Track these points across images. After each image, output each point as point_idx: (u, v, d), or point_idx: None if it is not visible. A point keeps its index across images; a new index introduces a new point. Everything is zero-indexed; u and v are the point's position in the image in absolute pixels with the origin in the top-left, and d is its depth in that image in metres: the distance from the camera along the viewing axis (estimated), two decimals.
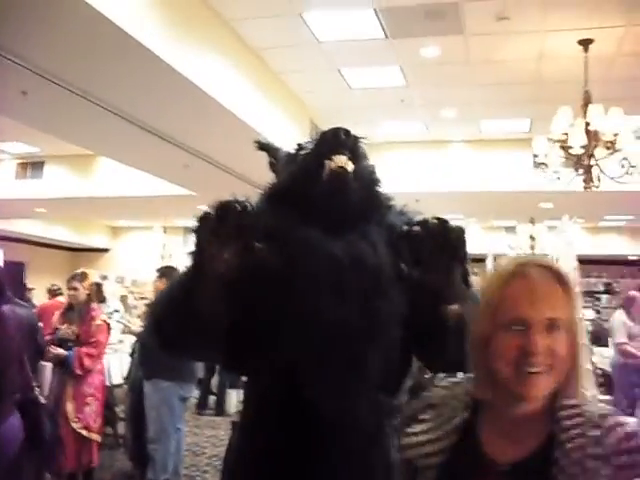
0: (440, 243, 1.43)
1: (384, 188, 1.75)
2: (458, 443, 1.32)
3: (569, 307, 1.27)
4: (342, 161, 1.58)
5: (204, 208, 1.47)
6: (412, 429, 1.38)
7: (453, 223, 1.47)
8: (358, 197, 1.60)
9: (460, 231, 1.45)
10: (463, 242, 1.46)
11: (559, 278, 1.28)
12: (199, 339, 1.54)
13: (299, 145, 1.75)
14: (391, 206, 1.74)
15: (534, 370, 1.21)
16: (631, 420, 1.23)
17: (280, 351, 1.49)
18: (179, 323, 1.50)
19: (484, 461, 1.27)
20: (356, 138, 1.64)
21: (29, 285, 12.41)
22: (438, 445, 1.33)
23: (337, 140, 1.60)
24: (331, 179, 1.57)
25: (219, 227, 1.40)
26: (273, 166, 1.85)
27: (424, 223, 1.45)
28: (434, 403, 1.40)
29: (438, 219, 1.45)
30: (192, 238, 1.48)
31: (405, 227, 1.49)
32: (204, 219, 1.43)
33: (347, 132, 1.61)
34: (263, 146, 1.90)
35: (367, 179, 1.67)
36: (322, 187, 1.57)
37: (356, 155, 1.62)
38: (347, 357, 1.50)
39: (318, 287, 1.49)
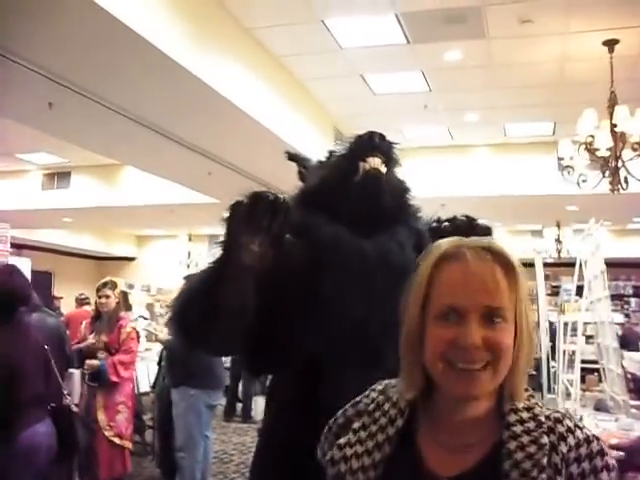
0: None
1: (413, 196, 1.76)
2: (394, 455, 1.14)
3: (514, 294, 1.09)
4: (377, 163, 1.59)
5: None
6: (343, 440, 1.21)
7: (481, 222, 1.46)
8: (389, 200, 1.60)
9: (487, 227, 1.45)
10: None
11: (501, 260, 1.10)
12: (222, 331, 1.51)
13: (330, 152, 1.77)
14: (419, 216, 1.75)
15: (469, 367, 1.05)
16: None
17: (303, 347, 1.49)
18: (203, 313, 1.48)
19: (423, 475, 1.11)
20: (390, 143, 1.65)
21: (56, 294, 12.55)
22: (371, 458, 1.14)
23: (372, 143, 1.61)
24: (365, 180, 1.58)
25: (251, 216, 1.39)
26: (302, 175, 1.85)
27: (452, 220, 1.45)
28: (367, 409, 1.22)
29: (467, 217, 1.45)
30: (223, 227, 1.46)
31: (434, 224, 1.49)
32: (236, 207, 1.42)
33: (382, 136, 1.63)
34: (292, 157, 1.91)
35: (398, 185, 1.69)
36: (356, 188, 1.58)
37: (389, 160, 1.63)
38: (368, 356, 1.50)
39: (345, 284, 1.50)
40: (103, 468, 4.90)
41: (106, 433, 4.92)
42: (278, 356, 1.55)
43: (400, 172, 1.73)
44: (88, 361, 4.95)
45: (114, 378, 4.93)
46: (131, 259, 18.58)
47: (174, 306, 1.60)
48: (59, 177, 11.69)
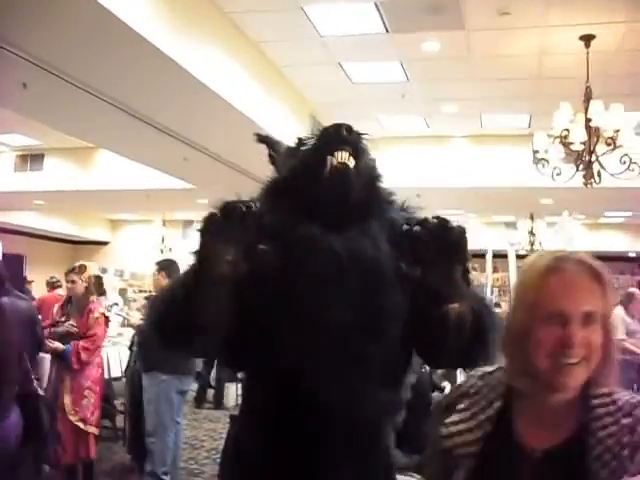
0: (440, 243, 1.43)
1: (385, 183, 1.75)
2: (493, 432, 1.36)
3: (604, 301, 1.32)
4: (344, 157, 1.57)
5: (203, 202, 1.47)
6: (449, 419, 1.42)
7: (454, 222, 1.46)
8: (359, 193, 1.59)
9: (460, 231, 1.44)
10: (463, 242, 1.45)
11: (595, 273, 1.32)
12: (200, 339, 1.52)
13: (300, 139, 1.75)
14: (393, 202, 1.74)
15: (571, 361, 1.26)
16: None
17: (282, 351, 1.49)
18: (180, 323, 1.49)
19: (518, 449, 1.32)
20: (358, 134, 1.63)
21: (28, 277, 12.40)
22: (473, 434, 1.37)
23: (339, 136, 1.59)
24: (333, 175, 1.56)
25: (223, 227, 1.39)
26: (272, 159, 1.84)
27: (424, 222, 1.44)
28: (469, 392, 1.45)
29: (438, 218, 1.44)
30: (196, 237, 1.47)
31: (405, 226, 1.49)
32: (209, 219, 1.42)
33: (349, 128, 1.61)
34: (263, 139, 1.89)
35: (369, 175, 1.67)
36: (323, 183, 1.56)
37: (358, 151, 1.62)
38: (348, 354, 1.50)
39: (318, 284, 1.49)
40: (67, 452, 4.87)
41: (71, 417, 4.87)
42: (259, 358, 1.55)
43: (371, 160, 1.72)
44: (52, 344, 4.91)
45: (75, 365, 4.90)
46: (104, 243, 18.42)
47: (150, 315, 1.61)
48: (32, 159, 11.54)
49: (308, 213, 1.56)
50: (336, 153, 1.57)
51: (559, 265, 1.32)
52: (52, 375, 5.08)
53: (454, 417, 1.42)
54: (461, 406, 1.43)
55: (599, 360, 1.30)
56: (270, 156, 1.85)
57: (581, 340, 1.26)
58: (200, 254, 1.45)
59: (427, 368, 5.64)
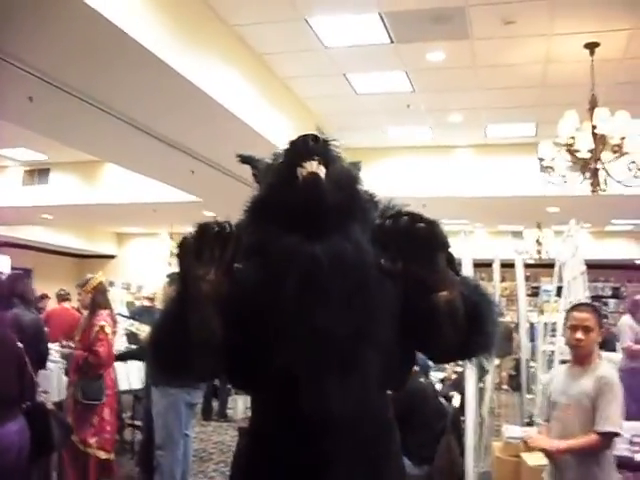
0: (414, 234, 1.43)
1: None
2: None
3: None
4: (313, 166, 1.59)
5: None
6: None
7: (425, 219, 1.45)
8: (335, 199, 1.60)
9: (430, 226, 1.44)
10: (437, 230, 1.45)
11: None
12: (199, 362, 1.53)
13: (274, 154, 1.78)
14: (375, 203, 1.75)
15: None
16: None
17: (275, 361, 1.50)
18: (175, 348, 1.50)
19: None
20: (325, 141, 1.65)
21: (42, 292, 12.38)
22: None
23: (306, 147, 1.61)
24: (304, 186, 1.58)
25: (198, 250, 1.42)
26: (256, 178, 1.87)
27: (396, 217, 1.45)
28: None
29: (410, 214, 1.44)
30: (175, 262, 1.51)
31: (377, 222, 1.49)
32: (183, 243, 1.45)
33: (315, 137, 1.63)
34: (245, 159, 1.93)
35: (343, 180, 1.68)
36: (296, 194, 1.58)
37: (327, 158, 1.63)
38: (341, 359, 1.50)
39: (303, 292, 1.50)
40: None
41: (90, 451, 4.89)
42: (256, 372, 1.56)
43: (346, 165, 1.73)
44: None
45: (72, 375, 4.88)
46: (111, 257, 18.46)
47: (149, 346, 1.62)
48: (39, 173, 11.59)
49: (288, 225, 1.57)
50: (304, 164, 1.59)
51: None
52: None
53: None
54: None
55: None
56: (254, 175, 1.88)
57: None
58: (181, 277, 1.48)
59: (431, 378, 5.65)
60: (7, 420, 3.25)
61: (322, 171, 1.60)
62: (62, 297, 8.78)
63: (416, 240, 1.41)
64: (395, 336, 1.56)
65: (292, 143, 1.65)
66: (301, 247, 1.54)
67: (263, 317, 1.51)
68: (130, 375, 6.85)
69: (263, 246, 1.57)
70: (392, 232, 1.43)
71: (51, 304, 10.06)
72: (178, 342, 1.48)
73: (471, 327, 1.50)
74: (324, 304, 1.50)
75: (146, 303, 8.06)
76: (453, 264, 1.49)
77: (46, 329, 5.85)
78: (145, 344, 1.65)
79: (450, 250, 1.48)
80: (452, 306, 1.47)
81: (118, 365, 6.83)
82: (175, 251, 1.49)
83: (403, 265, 1.45)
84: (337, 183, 1.63)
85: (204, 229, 1.42)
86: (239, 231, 1.46)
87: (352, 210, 1.66)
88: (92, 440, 4.89)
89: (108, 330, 5.04)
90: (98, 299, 5.12)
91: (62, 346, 5.39)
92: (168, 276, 5.25)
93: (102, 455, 4.94)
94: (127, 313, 10.26)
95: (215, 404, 9.10)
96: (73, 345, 5.08)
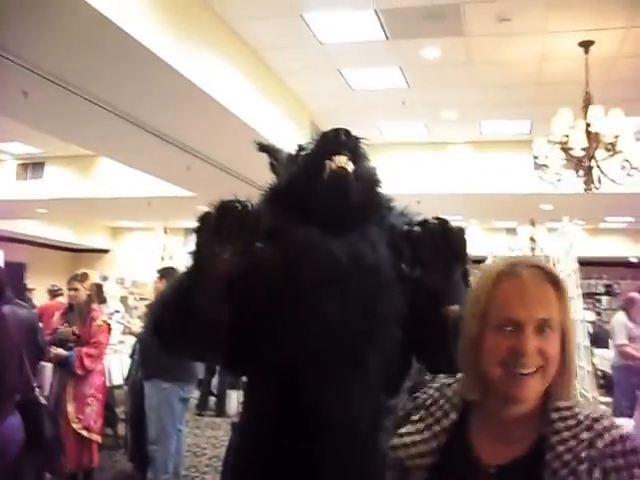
0: (440, 244, 1.43)
1: (385, 189, 1.75)
2: (447, 444, 1.30)
3: (561, 308, 1.24)
4: (342, 161, 1.57)
5: (205, 209, 1.47)
6: (403, 429, 1.36)
7: (453, 224, 1.46)
8: (358, 197, 1.60)
9: (460, 232, 1.45)
10: (463, 243, 1.46)
11: (551, 279, 1.25)
12: (198, 339, 1.53)
13: (300, 146, 1.75)
14: (392, 207, 1.74)
15: (525, 371, 1.19)
16: (625, 422, 1.22)
17: (280, 351, 1.49)
18: (179, 322, 1.50)
19: (473, 462, 1.25)
20: (357, 139, 1.64)
21: (30, 286, 12.39)
22: (427, 446, 1.30)
23: (338, 140, 1.59)
24: (331, 179, 1.57)
25: (220, 226, 1.40)
26: (273, 167, 1.84)
27: (424, 223, 1.45)
28: (425, 404, 1.38)
29: (438, 219, 1.44)
30: (193, 237, 1.48)
31: (406, 227, 1.49)
32: (205, 218, 1.43)
33: (348, 132, 1.61)
34: (264, 147, 1.89)
35: (367, 180, 1.67)
36: (322, 187, 1.57)
37: (357, 156, 1.62)
38: (346, 356, 1.51)
39: (318, 287, 1.49)
40: (70, 460, 4.84)
41: (74, 425, 4.88)
42: (257, 358, 1.55)
43: (370, 166, 1.72)
44: (55, 350, 4.91)
45: (79, 371, 4.90)
46: (106, 251, 18.43)
47: (150, 317, 1.61)
48: (33, 167, 11.56)
49: (307, 217, 1.56)
50: (334, 157, 1.57)
51: (512, 270, 1.25)
52: (55, 383, 5.07)
53: (409, 428, 1.35)
54: (416, 417, 1.36)
55: (556, 370, 1.22)
56: (271, 164, 1.85)
57: (535, 349, 1.19)
58: (197, 253, 1.46)
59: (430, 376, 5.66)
60: (9, 415, 3.26)
61: (351, 167, 1.59)
62: (55, 293, 8.78)
63: (440, 249, 1.41)
64: (398, 341, 1.57)
65: (324, 135, 1.64)
66: (321, 242, 1.53)
67: (274, 303, 1.50)
68: (124, 369, 6.86)
69: (282, 232, 1.55)
70: (420, 238, 1.42)
71: (43, 299, 10.06)
72: (180, 318, 1.48)
73: None
74: (337, 301, 1.50)
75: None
76: (467, 278, 1.49)
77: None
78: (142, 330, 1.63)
79: (467, 265, 1.48)
80: (461, 320, 1.46)
81: (112, 359, 6.84)
82: (195, 225, 1.46)
83: (421, 273, 1.45)
84: (362, 182, 1.62)
85: (225, 207, 1.41)
86: (260, 213, 1.45)
87: (371, 212, 1.66)
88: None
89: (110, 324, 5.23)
90: (97, 294, 5.23)
91: (52, 334, 5.37)
92: (158, 271, 5.26)
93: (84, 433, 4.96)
94: (121, 308, 10.27)
95: (212, 403, 9.11)
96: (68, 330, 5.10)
